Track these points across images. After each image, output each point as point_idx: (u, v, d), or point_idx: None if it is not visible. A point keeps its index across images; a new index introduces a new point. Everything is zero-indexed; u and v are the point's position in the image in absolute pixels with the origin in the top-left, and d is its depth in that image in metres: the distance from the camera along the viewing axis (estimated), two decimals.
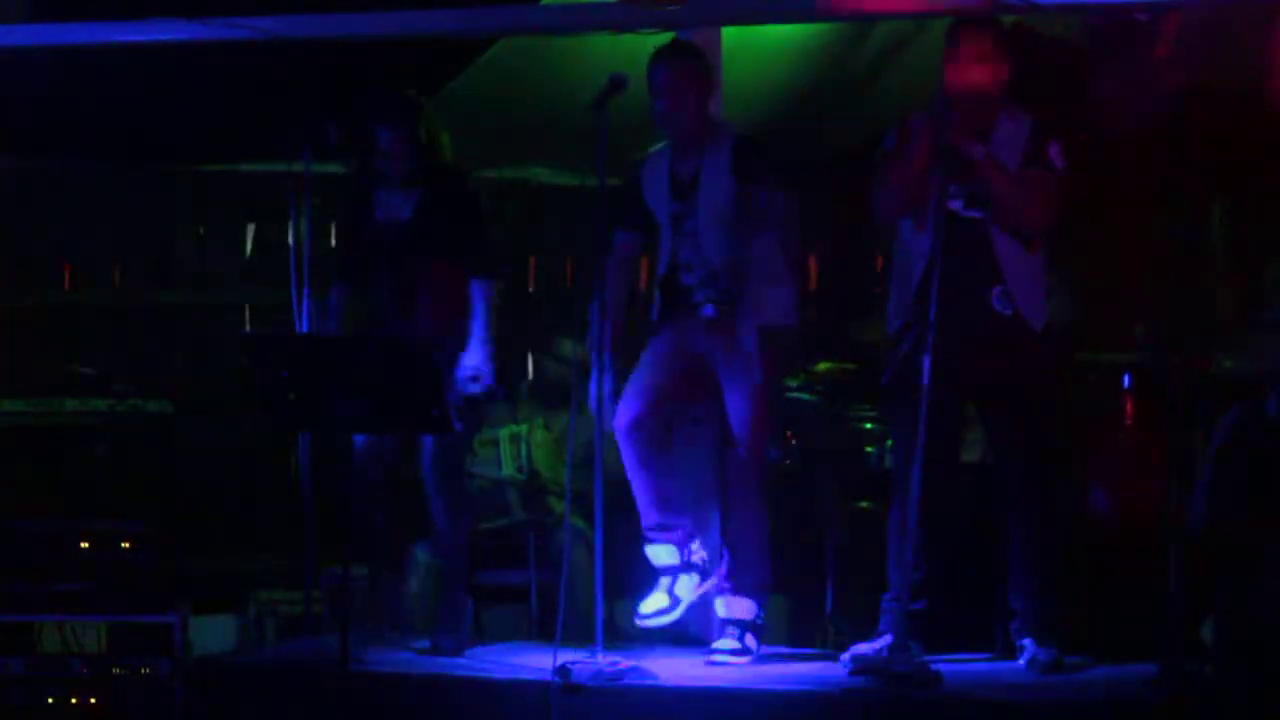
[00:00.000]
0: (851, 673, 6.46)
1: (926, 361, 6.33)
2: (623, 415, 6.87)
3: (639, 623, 6.85)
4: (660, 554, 6.97)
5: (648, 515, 6.94)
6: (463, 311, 7.12)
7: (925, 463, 6.35)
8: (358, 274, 7.22)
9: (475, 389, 7.06)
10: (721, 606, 6.97)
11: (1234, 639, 6.14)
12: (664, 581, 6.97)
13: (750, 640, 6.88)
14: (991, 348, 6.60)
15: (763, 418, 6.88)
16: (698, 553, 7.01)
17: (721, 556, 7.03)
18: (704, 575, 7.00)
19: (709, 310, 6.85)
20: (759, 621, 6.92)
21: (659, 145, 6.98)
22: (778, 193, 6.84)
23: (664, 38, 7.01)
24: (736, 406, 6.84)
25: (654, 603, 6.94)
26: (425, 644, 7.14)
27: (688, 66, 6.85)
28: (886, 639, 6.53)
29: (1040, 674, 6.57)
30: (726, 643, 6.88)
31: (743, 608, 6.91)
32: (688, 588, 6.98)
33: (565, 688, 6.38)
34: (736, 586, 6.93)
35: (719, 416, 6.95)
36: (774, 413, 7.05)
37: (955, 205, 6.57)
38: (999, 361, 6.60)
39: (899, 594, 6.52)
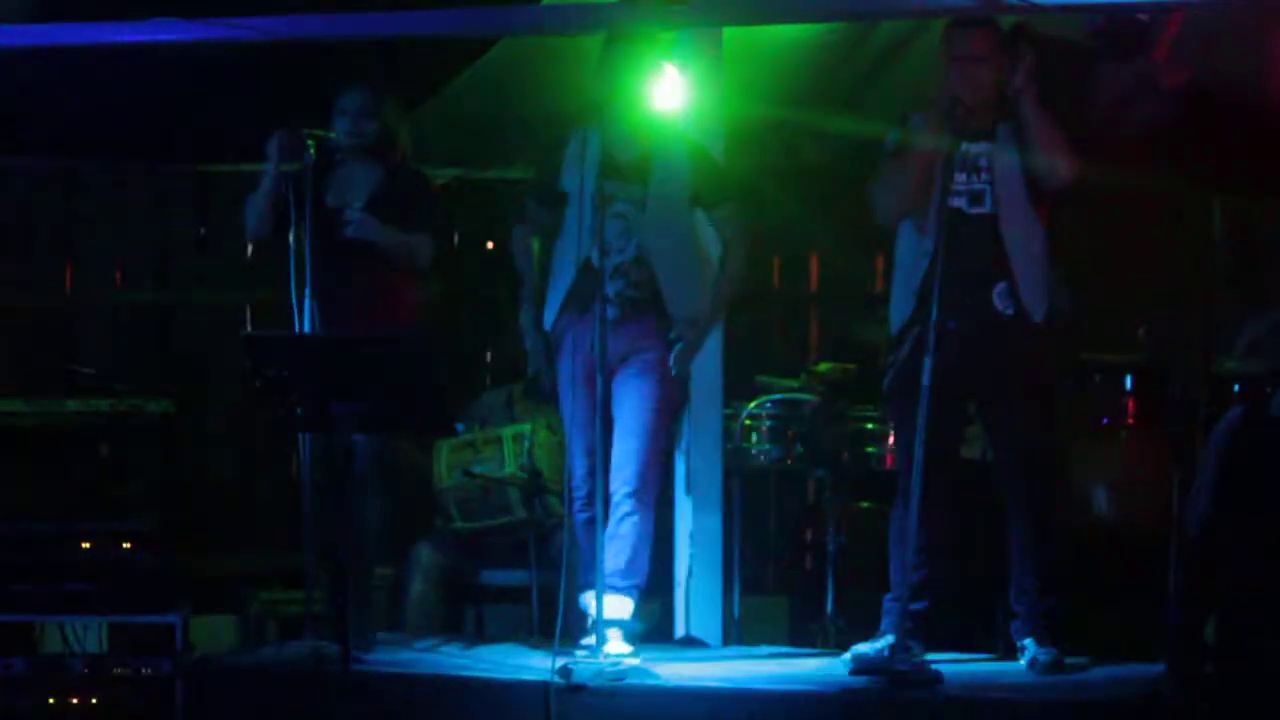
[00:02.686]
0: (851, 673, 6.46)
1: (927, 362, 6.34)
2: (578, 501, 6.87)
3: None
4: (612, 606, 6.76)
5: (589, 573, 6.79)
6: (408, 303, 7.17)
7: (926, 463, 6.35)
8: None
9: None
10: (608, 606, 6.74)
11: (1234, 639, 6.13)
12: (611, 632, 6.76)
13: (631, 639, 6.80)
14: (993, 347, 6.60)
15: (665, 414, 6.88)
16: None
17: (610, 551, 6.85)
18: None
19: (612, 311, 6.82)
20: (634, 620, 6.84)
21: (583, 127, 6.92)
22: (740, 223, 6.95)
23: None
24: (636, 402, 6.82)
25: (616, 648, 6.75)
26: (427, 643, 7.14)
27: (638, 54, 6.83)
28: (887, 639, 6.53)
29: (1040, 674, 6.57)
30: (616, 646, 6.71)
31: (625, 607, 6.83)
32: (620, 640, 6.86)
33: (566, 688, 6.38)
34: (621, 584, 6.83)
35: (620, 411, 6.89)
36: (674, 410, 7.06)
37: (958, 204, 6.58)
38: (1000, 361, 6.61)
39: (899, 594, 6.52)
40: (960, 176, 6.60)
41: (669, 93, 6.85)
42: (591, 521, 6.71)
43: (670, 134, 6.95)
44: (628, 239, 6.86)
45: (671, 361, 6.85)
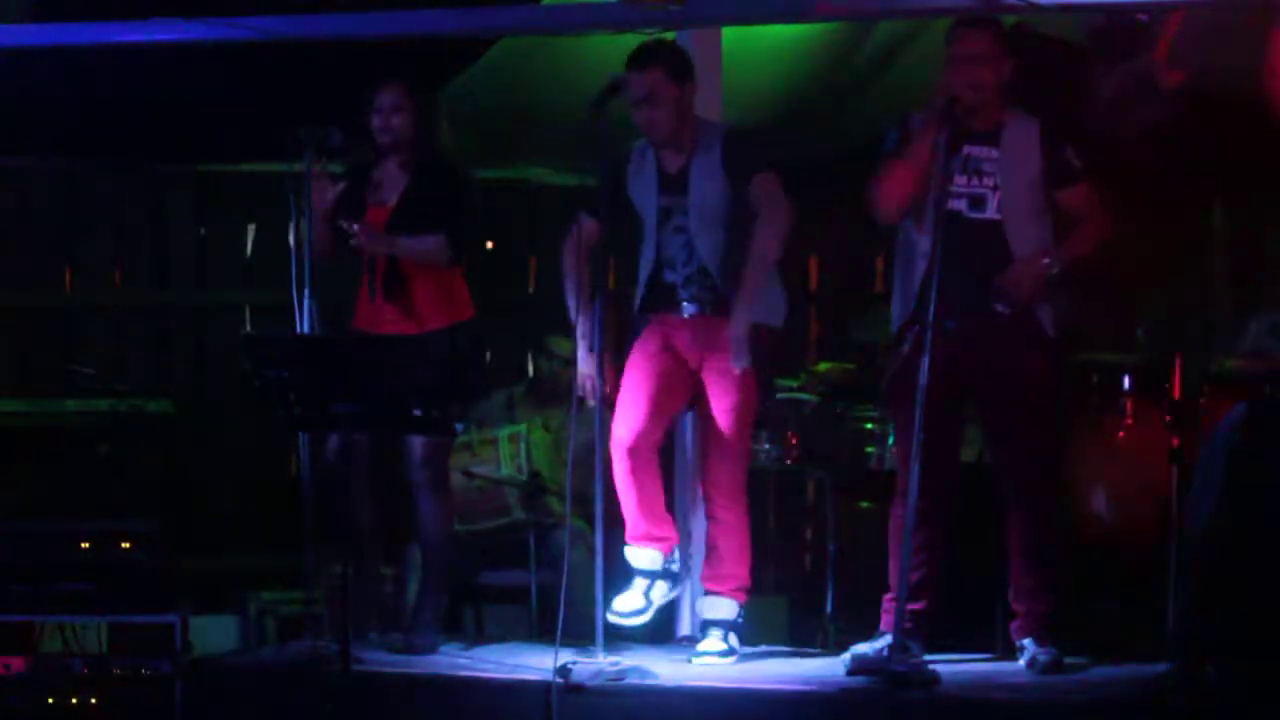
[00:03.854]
0: (851, 673, 6.46)
1: (925, 362, 6.33)
2: (622, 435, 6.83)
3: (611, 618, 6.74)
4: (641, 557, 6.96)
5: (636, 525, 6.92)
6: (454, 300, 7.14)
7: (925, 463, 6.35)
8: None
9: None
10: (703, 607, 6.97)
11: (1234, 639, 6.13)
12: (640, 583, 6.96)
13: (733, 640, 6.89)
14: (992, 347, 6.60)
15: (747, 419, 6.89)
16: (675, 562, 7.02)
17: (703, 556, 7.03)
18: (675, 582, 7.02)
19: (691, 308, 6.86)
20: (740, 621, 6.92)
21: (641, 142, 6.96)
22: (772, 192, 6.83)
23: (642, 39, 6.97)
24: (721, 407, 6.83)
25: (629, 602, 6.93)
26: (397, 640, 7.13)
27: (653, 76, 6.77)
28: (886, 639, 6.53)
29: (1040, 674, 6.57)
30: (711, 643, 6.88)
31: (724, 608, 6.91)
32: (661, 593, 6.99)
33: (566, 688, 6.38)
34: (718, 587, 6.93)
35: (703, 417, 6.94)
36: (758, 414, 7.05)
37: (957, 205, 6.58)
38: (999, 361, 6.60)
39: (899, 594, 6.52)
40: (960, 178, 6.59)
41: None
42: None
43: (705, 136, 6.91)
44: (690, 251, 6.86)
45: (732, 360, 6.80)
